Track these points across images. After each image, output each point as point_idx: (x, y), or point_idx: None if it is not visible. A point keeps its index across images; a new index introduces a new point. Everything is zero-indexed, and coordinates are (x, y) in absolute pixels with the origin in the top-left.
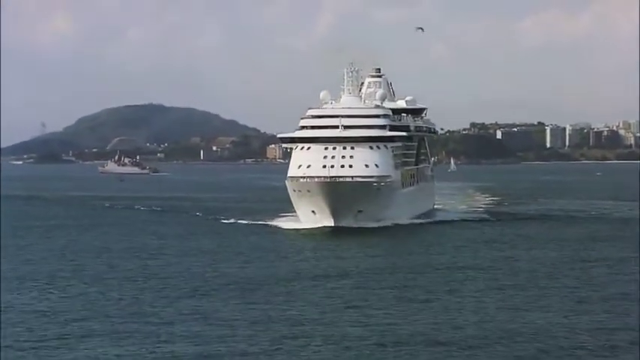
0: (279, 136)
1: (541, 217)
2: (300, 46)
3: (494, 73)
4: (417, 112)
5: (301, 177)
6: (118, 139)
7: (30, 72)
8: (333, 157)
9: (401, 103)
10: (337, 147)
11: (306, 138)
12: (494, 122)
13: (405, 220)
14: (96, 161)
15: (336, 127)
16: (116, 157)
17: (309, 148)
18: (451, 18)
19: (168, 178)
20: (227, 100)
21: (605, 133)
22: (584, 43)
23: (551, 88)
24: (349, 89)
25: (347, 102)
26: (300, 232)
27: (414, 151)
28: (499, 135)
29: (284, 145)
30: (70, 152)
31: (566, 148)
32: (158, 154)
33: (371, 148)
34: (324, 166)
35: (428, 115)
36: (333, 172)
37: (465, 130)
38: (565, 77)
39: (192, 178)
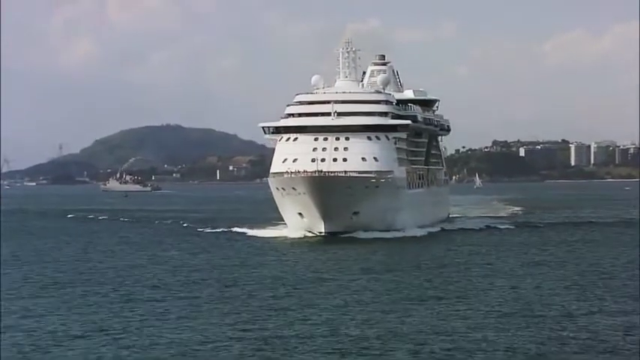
0: (260, 125)
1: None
2: (322, 67)
3: (518, 93)
4: (426, 104)
5: (285, 172)
6: (133, 159)
7: (50, 94)
8: (324, 149)
9: (408, 94)
10: (329, 137)
11: (292, 127)
12: (516, 140)
13: (414, 229)
14: None
15: (328, 114)
16: (118, 175)
17: (295, 139)
18: (474, 39)
19: (168, 194)
20: (245, 120)
21: (632, 150)
22: (607, 63)
23: (575, 107)
24: (345, 72)
25: (342, 86)
26: (274, 242)
27: (424, 149)
28: (522, 153)
29: (267, 137)
30: (85, 173)
31: (591, 166)
32: (174, 174)
33: (369, 138)
34: (313, 160)
35: (440, 111)
36: (324, 167)
37: (487, 147)
38: (588, 96)
39: (192, 195)
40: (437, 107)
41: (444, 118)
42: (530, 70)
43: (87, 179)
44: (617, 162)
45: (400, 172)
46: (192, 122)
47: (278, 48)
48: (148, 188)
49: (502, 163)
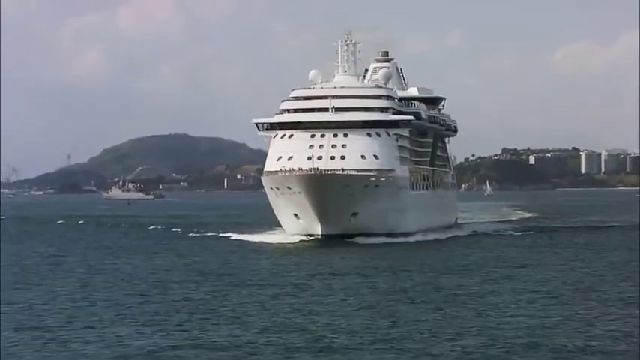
0: (253, 121)
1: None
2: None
3: (528, 102)
4: (432, 102)
5: (279, 171)
6: (140, 168)
7: (59, 105)
8: (321, 146)
9: (412, 92)
10: (326, 134)
11: (287, 123)
12: (526, 148)
13: (419, 234)
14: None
15: (326, 109)
16: (120, 183)
17: (291, 136)
18: (483, 48)
19: (170, 202)
20: (254, 129)
21: None
22: (615, 72)
23: (585, 116)
24: (344, 66)
25: (340, 81)
26: (264, 247)
27: (429, 149)
28: (532, 161)
29: (260, 134)
30: (92, 182)
31: (601, 174)
32: (181, 183)
33: (369, 135)
34: (310, 158)
35: (447, 110)
36: (321, 165)
37: (496, 155)
38: (598, 105)
39: (194, 202)
40: (443, 106)
41: (451, 118)
42: (541, 79)
43: (94, 188)
44: (627, 170)
45: (402, 171)
46: (200, 131)
47: (284, 57)
48: (151, 196)
49: (512, 171)
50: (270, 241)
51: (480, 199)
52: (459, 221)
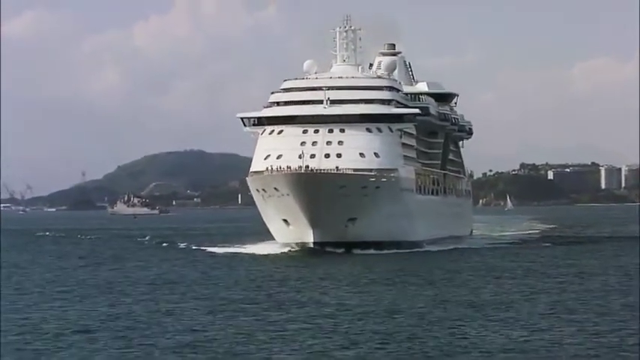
0: (238, 115)
1: None
2: None
3: (545, 118)
4: (443, 99)
5: (266, 170)
6: (154, 184)
7: (75, 122)
8: (314, 142)
9: (421, 87)
10: (321, 129)
11: (277, 118)
12: (544, 163)
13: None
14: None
15: (320, 102)
16: (125, 198)
17: (281, 131)
18: (499, 65)
19: (175, 217)
20: None
21: None
22: (632, 89)
23: (603, 132)
24: (343, 55)
25: (338, 71)
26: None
27: (439, 151)
28: (550, 175)
29: (246, 130)
30: (105, 198)
31: (622, 189)
32: (194, 199)
33: (369, 130)
34: (301, 156)
35: (460, 110)
36: (314, 164)
37: (514, 171)
38: (615, 121)
39: (198, 217)
40: (455, 103)
41: (465, 118)
42: (558, 94)
43: (106, 204)
44: None
45: (407, 171)
46: (217, 147)
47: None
48: (156, 211)
49: (530, 186)
50: (248, 252)
51: (499, 214)
52: (475, 232)
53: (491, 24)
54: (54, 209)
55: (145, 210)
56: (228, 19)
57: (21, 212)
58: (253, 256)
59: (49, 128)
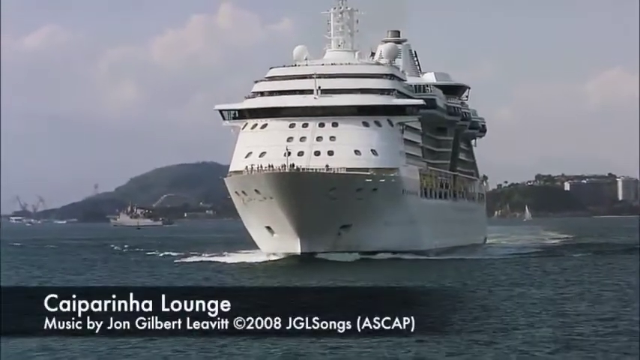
0: (216, 107)
1: None
2: None
3: (560, 132)
4: (452, 92)
5: (245, 169)
6: (165, 196)
7: (89, 136)
8: (302, 138)
9: (428, 78)
10: (310, 123)
11: (260, 110)
12: (561, 174)
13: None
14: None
15: (310, 91)
16: (128, 209)
17: (264, 125)
18: (514, 82)
19: (179, 227)
20: None
21: None
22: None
23: (618, 144)
24: (337, 40)
25: (331, 58)
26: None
27: (449, 150)
28: (567, 187)
29: (226, 124)
30: (117, 211)
31: (639, 200)
32: (207, 211)
33: (365, 124)
34: (288, 153)
35: (471, 105)
36: (302, 162)
37: (530, 182)
38: (630, 133)
39: (202, 227)
40: (467, 97)
41: (478, 115)
42: (573, 109)
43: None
44: None
45: (409, 172)
46: (230, 159)
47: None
48: (159, 222)
49: (547, 197)
50: (219, 261)
51: (518, 224)
52: (489, 241)
53: (504, 40)
54: (64, 221)
55: (148, 221)
56: (242, 33)
57: (28, 225)
58: (218, 265)
59: (64, 142)
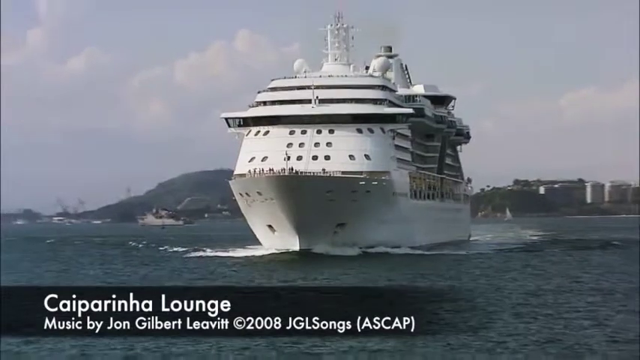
0: (222, 116)
1: None
2: None
3: (537, 143)
4: (439, 102)
5: (249, 173)
6: (188, 199)
7: (124, 148)
8: (301, 144)
9: (417, 89)
10: (308, 130)
11: (262, 118)
12: (536, 179)
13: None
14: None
15: (308, 101)
16: (154, 210)
17: (267, 132)
18: (496, 98)
19: (198, 227)
20: None
21: None
22: (620, 117)
23: (587, 153)
24: (334, 54)
25: (328, 70)
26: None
27: (436, 154)
28: (542, 191)
29: (231, 131)
30: (144, 212)
31: (605, 203)
32: (223, 212)
33: (359, 131)
34: (288, 158)
35: (456, 114)
36: (300, 166)
37: (509, 186)
38: (598, 144)
39: (217, 226)
40: (453, 107)
41: (463, 123)
42: (549, 123)
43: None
44: (629, 200)
45: (400, 175)
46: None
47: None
48: (181, 222)
49: (524, 200)
50: (224, 256)
51: (499, 223)
52: (472, 238)
53: (490, 59)
54: (100, 221)
55: (171, 221)
56: (257, 55)
57: (68, 224)
58: (222, 259)
59: (100, 152)
